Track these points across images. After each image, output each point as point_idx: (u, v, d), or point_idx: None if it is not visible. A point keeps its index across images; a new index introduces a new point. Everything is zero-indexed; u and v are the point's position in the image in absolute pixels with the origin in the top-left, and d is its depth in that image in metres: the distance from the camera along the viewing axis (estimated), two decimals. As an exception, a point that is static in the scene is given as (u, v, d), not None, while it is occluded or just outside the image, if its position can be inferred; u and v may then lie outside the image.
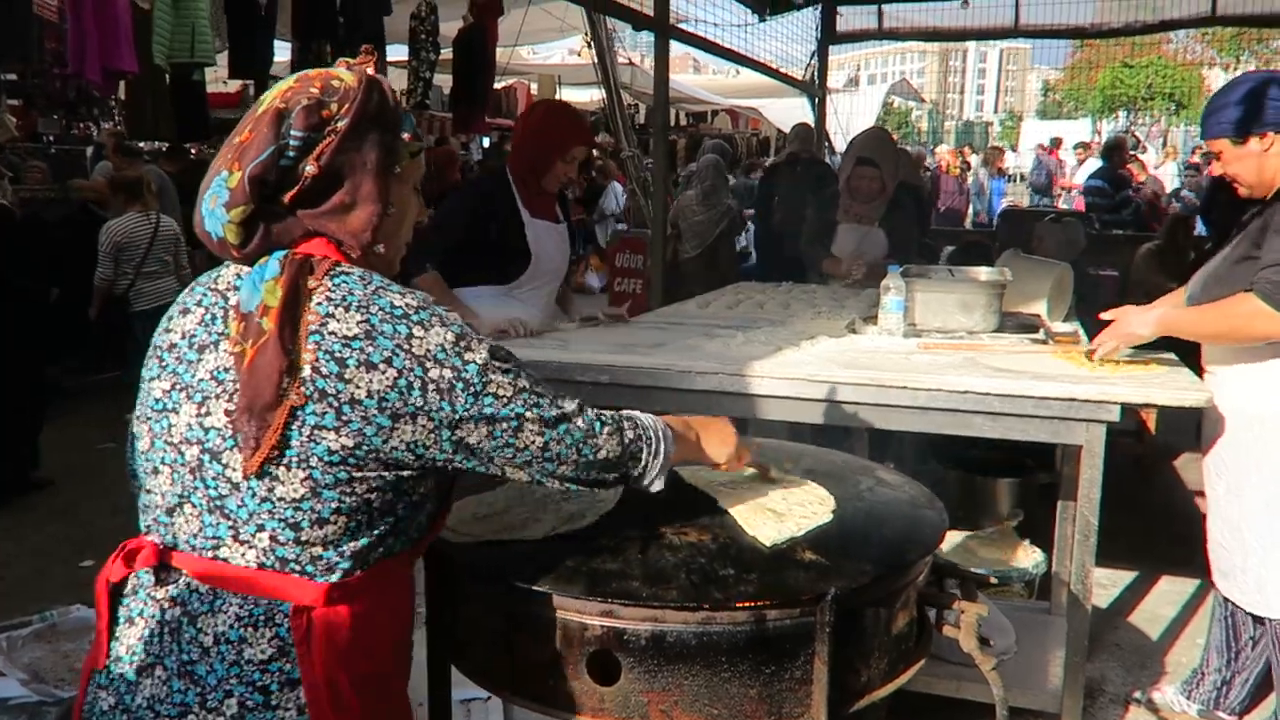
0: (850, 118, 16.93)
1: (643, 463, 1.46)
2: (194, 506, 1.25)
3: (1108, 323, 2.67)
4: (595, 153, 10.68)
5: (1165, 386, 2.45)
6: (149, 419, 1.31)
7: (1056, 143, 19.26)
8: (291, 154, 1.27)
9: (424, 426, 1.25)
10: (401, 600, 1.42)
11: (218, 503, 1.24)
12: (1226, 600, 2.75)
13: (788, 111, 13.18)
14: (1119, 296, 7.05)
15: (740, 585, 1.48)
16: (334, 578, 1.26)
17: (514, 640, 1.55)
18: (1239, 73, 2.55)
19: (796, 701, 1.50)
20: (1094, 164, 16.57)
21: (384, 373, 1.23)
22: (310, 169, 1.28)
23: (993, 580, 3.17)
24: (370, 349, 1.23)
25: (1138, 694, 3.01)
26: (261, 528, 1.23)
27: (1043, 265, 4.27)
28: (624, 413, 1.48)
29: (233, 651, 1.22)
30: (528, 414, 1.31)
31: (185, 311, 1.35)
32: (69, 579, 3.94)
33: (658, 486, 1.50)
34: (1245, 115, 2.46)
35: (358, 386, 1.21)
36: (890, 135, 5.45)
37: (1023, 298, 3.72)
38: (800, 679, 1.49)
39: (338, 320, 1.23)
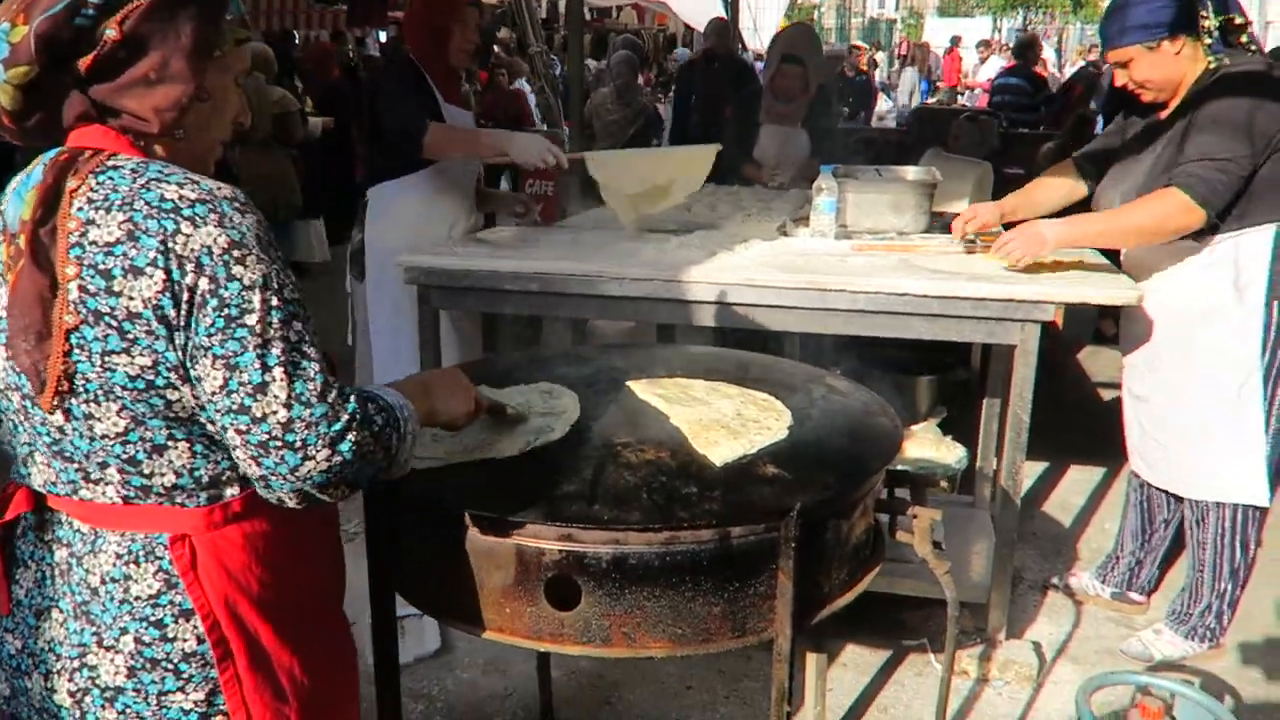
0: (758, 13, 16.61)
1: (392, 453, 1.22)
2: (40, 453, 1.18)
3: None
4: (499, 50, 10.22)
5: (1099, 285, 2.47)
6: None
7: (956, 41, 19.30)
8: (90, 12, 1.09)
9: (182, 346, 1.09)
10: (310, 517, 1.27)
11: (55, 447, 1.16)
12: (1143, 486, 2.85)
13: (696, 5, 12.82)
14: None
15: (704, 504, 1.43)
16: (204, 501, 1.17)
17: (463, 568, 1.48)
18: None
19: (760, 616, 1.48)
20: (996, 62, 16.75)
21: (151, 277, 1.06)
22: (111, 33, 1.10)
23: (943, 485, 3.23)
24: (134, 252, 1.06)
25: (1055, 580, 3.14)
26: (105, 464, 1.14)
27: (964, 164, 4.27)
28: (363, 392, 1.21)
29: (119, 589, 1.16)
30: (277, 369, 1.08)
31: None
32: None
33: (404, 472, 1.29)
34: (1155, 20, 2.41)
35: (130, 298, 1.06)
36: (814, 32, 5.32)
37: (944, 196, 3.70)
38: (764, 594, 1.46)
39: (99, 225, 1.07)
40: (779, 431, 1.64)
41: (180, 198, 1.08)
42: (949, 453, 3.30)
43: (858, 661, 2.74)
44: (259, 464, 1.10)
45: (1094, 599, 3.03)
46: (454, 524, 1.46)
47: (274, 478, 1.11)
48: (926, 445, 3.31)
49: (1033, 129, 7.87)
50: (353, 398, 1.15)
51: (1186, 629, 2.72)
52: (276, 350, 1.09)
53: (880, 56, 17.77)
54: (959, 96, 15.34)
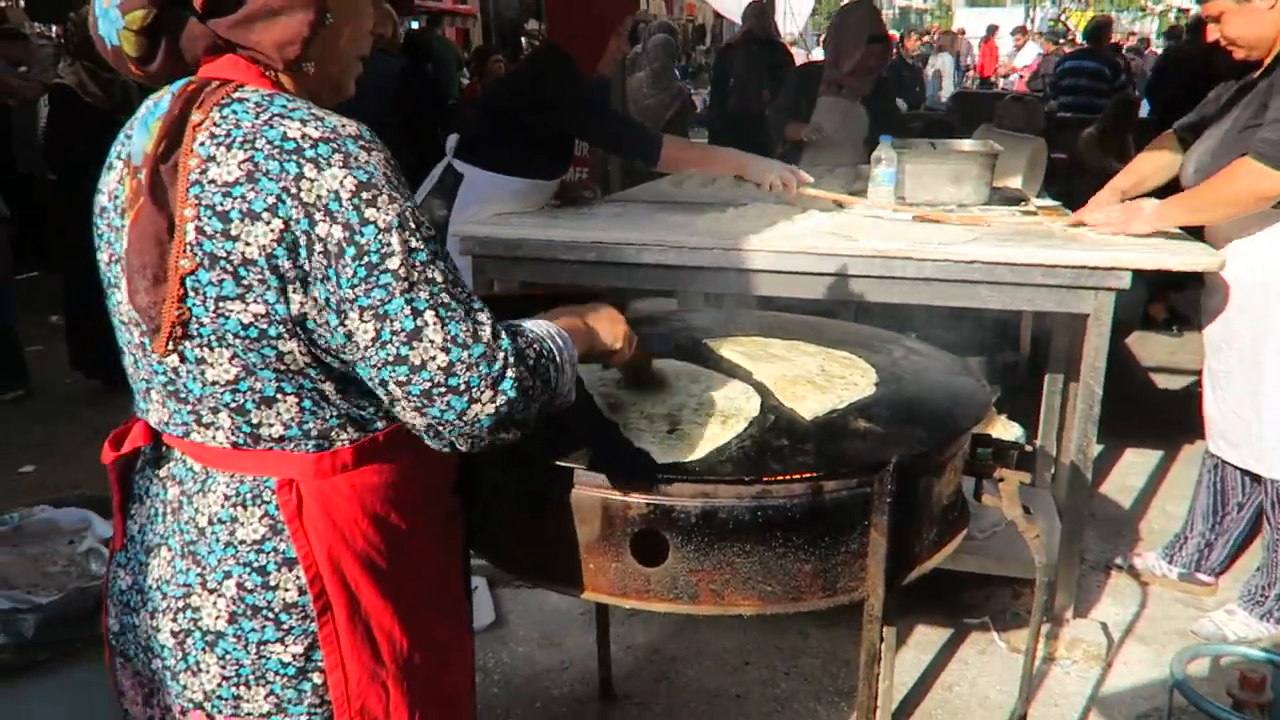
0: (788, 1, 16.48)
1: (552, 385, 1.13)
2: (156, 391, 1.14)
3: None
4: (525, 41, 10.16)
5: (1176, 252, 2.39)
6: (107, 295, 1.16)
7: (993, 30, 19.16)
8: None
9: (315, 301, 1.03)
10: (421, 471, 1.24)
11: (170, 388, 1.12)
12: (1217, 467, 2.77)
13: (726, -5, 12.72)
14: (1071, 179, 7.07)
15: (797, 456, 1.39)
16: (312, 449, 1.12)
17: (544, 523, 1.44)
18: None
19: (851, 575, 1.43)
20: (1033, 48, 16.57)
21: (269, 224, 1.00)
22: None
23: (1028, 448, 3.17)
24: (252, 194, 1.00)
25: (1119, 561, 3.07)
26: (216, 410, 1.10)
27: (1018, 139, 4.18)
28: (512, 326, 1.14)
29: (226, 531, 1.12)
30: (429, 313, 1.02)
31: (109, 166, 1.15)
32: (9, 486, 3.71)
33: (570, 403, 1.20)
34: None
35: (247, 243, 1.00)
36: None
37: (999, 172, 3.63)
38: (856, 551, 1.41)
39: (219, 164, 1.01)
40: (866, 388, 1.59)
41: (303, 137, 1.01)
42: (1006, 431, 3.25)
43: (920, 640, 2.68)
44: (424, 414, 1.04)
45: (1160, 579, 2.96)
46: (536, 476, 1.42)
47: (442, 426, 1.05)
48: (983, 424, 3.27)
49: (1074, 111, 7.70)
50: (504, 334, 1.07)
51: (1262, 611, 2.64)
52: (424, 294, 1.02)
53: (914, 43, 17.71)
54: (995, 84, 15.21)
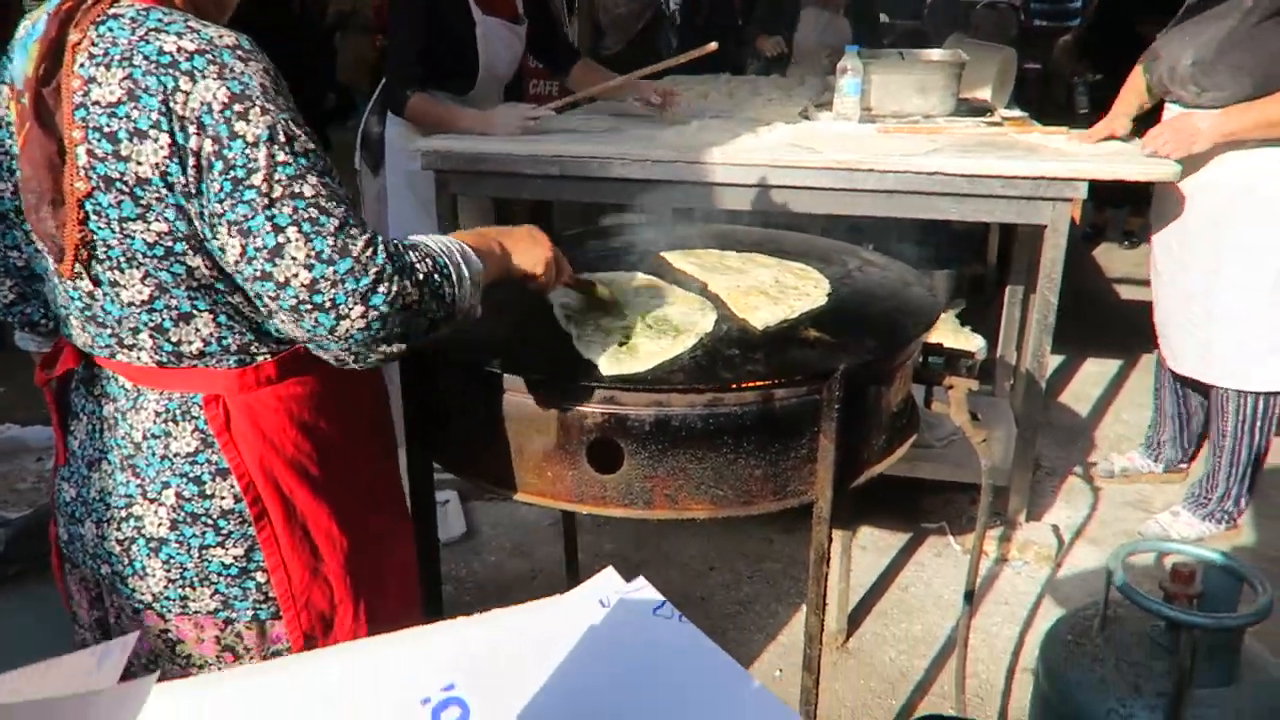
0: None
1: (448, 300, 1.12)
2: (75, 316, 1.16)
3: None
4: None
5: (1133, 161, 2.41)
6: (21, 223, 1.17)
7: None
8: None
9: (196, 215, 1.02)
10: (345, 380, 1.24)
11: (88, 313, 1.13)
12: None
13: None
14: (1044, 88, 7.02)
15: (747, 366, 1.42)
16: (235, 364, 1.15)
17: (503, 432, 1.47)
18: None
19: (801, 479, 1.47)
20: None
21: (156, 140, 0.99)
22: None
23: (978, 355, 3.22)
24: (136, 113, 0.99)
25: (1100, 465, 3.14)
26: (136, 330, 1.12)
27: (987, 49, 4.14)
28: (407, 241, 1.13)
29: (161, 445, 1.16)
30: (291, 230, 1.00)
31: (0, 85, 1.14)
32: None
33: (475, 316, 1.20)
34: None
35: (139, 163, 1.00)
36: None
37: (967, 83, 3.61)
38: (805, 457, 1.46)
39: (100, 84, 1.00)
40: (818, 298, 1.61)
41: (179, 50, 1.00)
42: (968, 342, 3.30)
43: (878, 544, 2.78)
44: (299, 327, 1.05)
45: (1147, 475, 3.07)
46: (493, 386, 1.45)
47: (318, 339, 1.06)
48: (946, 335, 3.32)
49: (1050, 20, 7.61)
50: (381, 247, 1.05)
51: (1205, 512, 2.74)
52: (287, 210, 1.00)
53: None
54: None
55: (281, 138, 1.01)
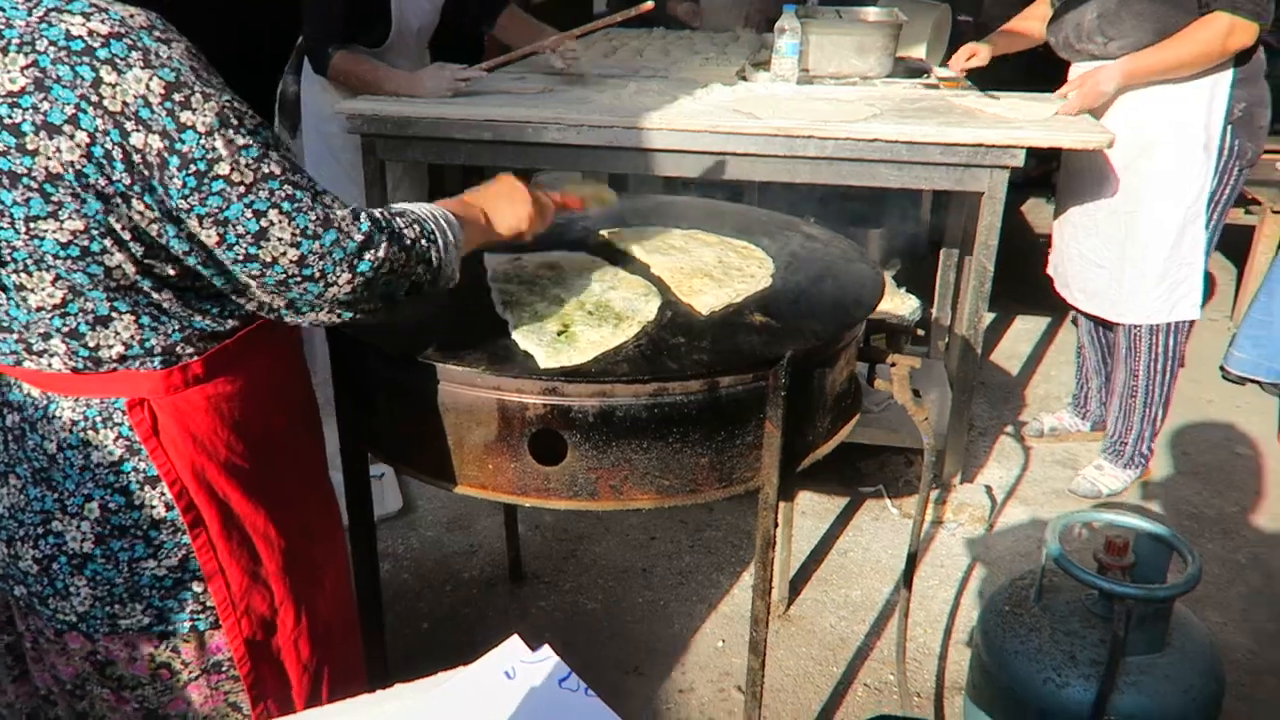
0: None
1: (434, 264, 1.15)
2: None
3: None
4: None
5: (1069, 130, 2.42)
6: None
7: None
8: None
9: (142, 214, 0.96)
10: (276, 374, 1.24)
11: None
12: (1099, 326, 2.93)
13: None
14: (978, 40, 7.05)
15: (692, 354, 1.38)
16: (159, 365, 1.09)
17: (442, 424, 1.42)
18: None
19: (746, 466, 1.46)
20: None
21: (72, 137, 0.91)
22: None
23: (919, 331, 3.25)
24: (46, 105, 0.90)
25: (1030, 425, 3.21)
26: (47, 336, 1.04)
27: (921, 6, 4.13)
28: (393, 208, 1.15)
29: (79, 456, 1.09)
30: (273, 212, 0.98)
31: None
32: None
33: (454, 282, 1.23)
34: None
35: (49, 158, 0.91)
36: None
37: (903, 42, 3.59)
38: (751, 444, 1.44)
39: None
40: (762, 279, 1.59)
41: (90, 34, 0.91)
42: (903, 304, 3.33)
43: (816, 509, 2.80)
44: (283, 296, 1.05)
45: (1076, 434, 3.14)
46: (429, 377, 1.39)
47: (300, 304, 1.06)
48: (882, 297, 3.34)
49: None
50: (364, 215, 1.07)
51: (1124, 460, 2.83)
52: (264, 193, 0.98)
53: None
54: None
55: (233, 120, 0.97)
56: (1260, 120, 2.53)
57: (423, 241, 1.13)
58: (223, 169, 0.95)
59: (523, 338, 1.38)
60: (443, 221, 1.19)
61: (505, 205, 1.35)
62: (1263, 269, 3.78)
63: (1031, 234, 5.34)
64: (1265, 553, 2.64)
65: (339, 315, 1.09)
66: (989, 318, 4.12)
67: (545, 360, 1.33)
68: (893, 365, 1.72)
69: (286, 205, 0.99)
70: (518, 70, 3.08)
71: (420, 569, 2.54)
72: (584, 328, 1.39)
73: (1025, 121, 2.45)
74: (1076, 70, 2.69)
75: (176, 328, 1.07)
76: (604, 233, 1.77)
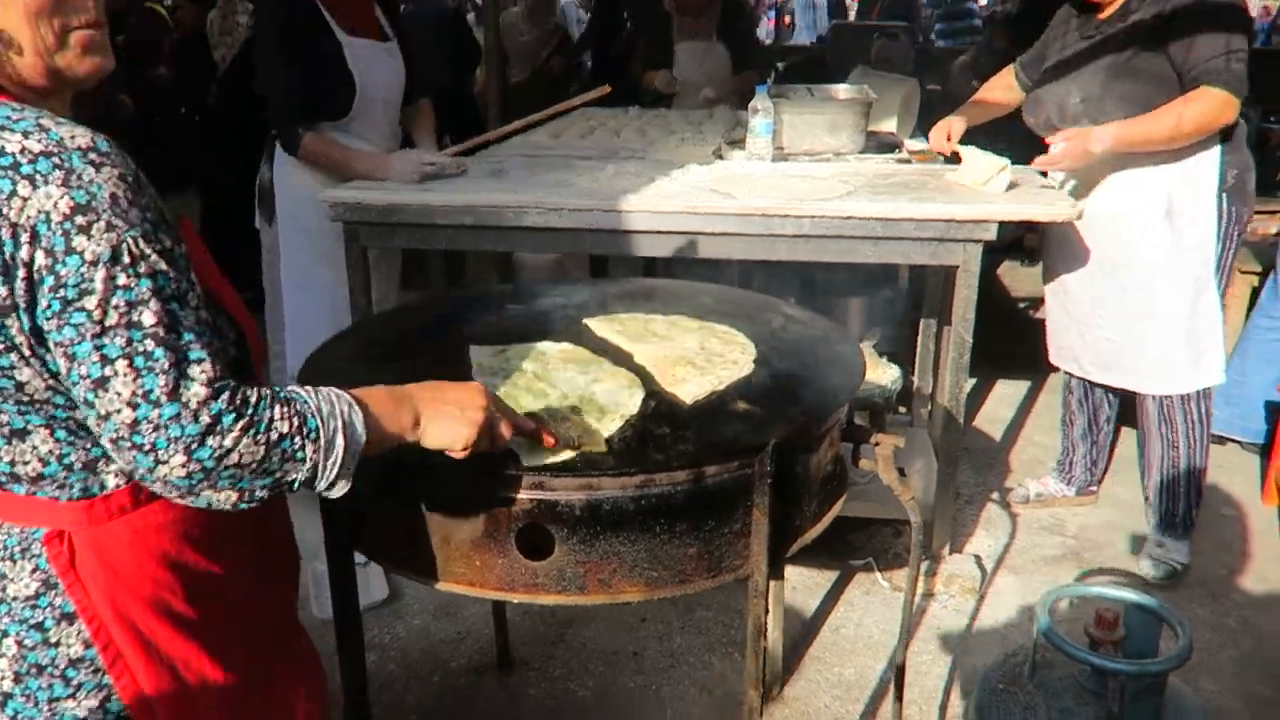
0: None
1: (307, 466, 1.03)
2: None
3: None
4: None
5: (1039, 202, 2.47)
6: None
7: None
8: None
9: (17, 329, 0.94)
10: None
11: None
12: (1088, 391, 2.98)
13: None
14: (946, 109, 7.23)
15: (677, 444, 1.39)
16: (80, 494, 1.05)
17: (428, 522, 1.41)
18: None
19: (735, 554, 1.45)
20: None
21: None
22: None
23: (901, 409, 3.26)
24: None
25: (1017, 491, 3.20)
26: None
27: (890, 81, 4.23)
28: (287, 392, 1.05)
29: None
30: (120, 363, 0.93)
31: None
32: None
33: (336, 492, 1.10)
34: None
35: None
36: None
37: (872, 117, 3.68)
38: (739, 531, 1.44)
39: None
40: (745, 365, 1.60)
41: (22, 150, 0.92)
42: (885, 374, 3.36)
43: (807, 584, 2.78)
44: (121, 458, 0.98)
45: (1061, 500, 3.16)
46: (413, 475, 1.39)
47: (139, 474, 0.98)
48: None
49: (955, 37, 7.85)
50: (226, 396, 0.97)
51: (1179, 532, 2.78)
52: (120, 340, 0.93)
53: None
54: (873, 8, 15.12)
55: (126, 258, 0.94)
56: (1249, 185, 2.60)
57: (296, 439, 1.01)
58: (89, 303, 0.92)
59: None
60: (339, 420, 1.06)
61: (446, 422, 1.19)
62: (1235, 329, 3.84)
63: (1009, 298, 5.40)
64: (1254, 615, 2.63)
65: (184, 497, 0.99)
66: (970, 382, 4.17)
67: (527, 457, 1.33)
68: (876, 445, 1.73)
69: (139, 360, 0.94)
70: (489, 154, 3.13)
71: (407, 659, 2.49)
72: (566, 424, 1.39)
73: (996, 195, 2.51)
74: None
75: (95, 442, 1.04)
76: (588, 321, 1.79)
